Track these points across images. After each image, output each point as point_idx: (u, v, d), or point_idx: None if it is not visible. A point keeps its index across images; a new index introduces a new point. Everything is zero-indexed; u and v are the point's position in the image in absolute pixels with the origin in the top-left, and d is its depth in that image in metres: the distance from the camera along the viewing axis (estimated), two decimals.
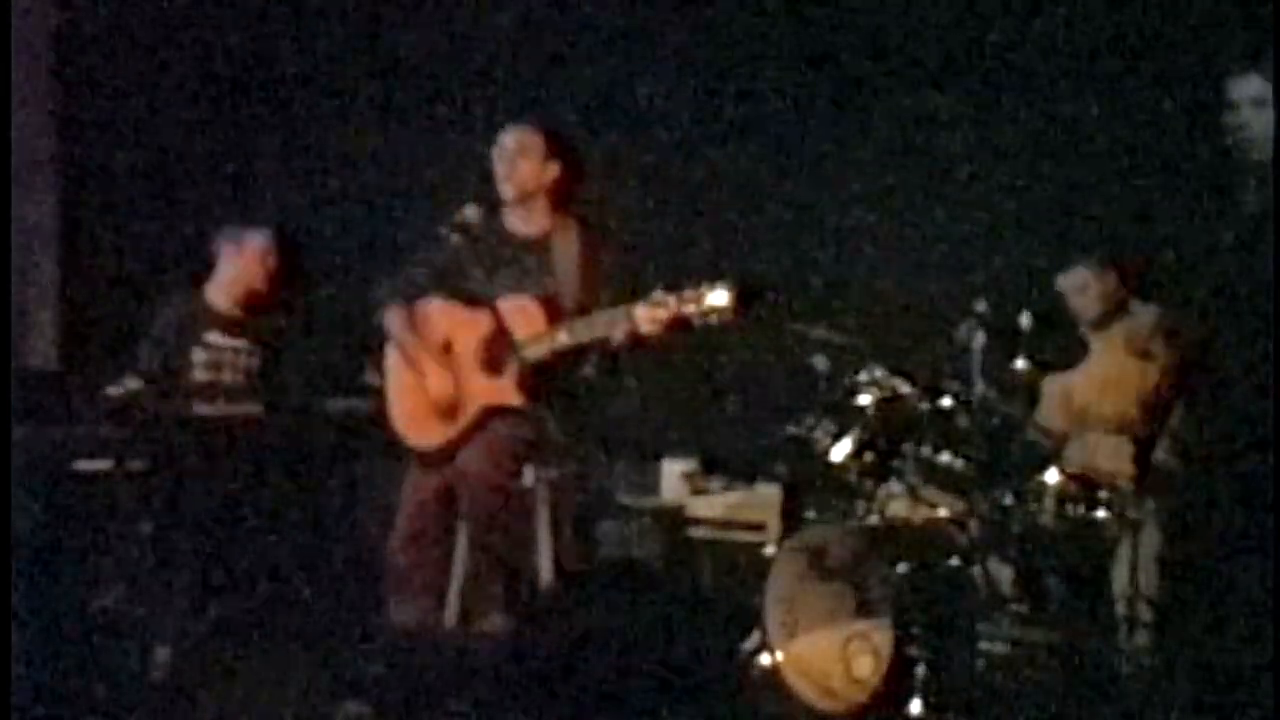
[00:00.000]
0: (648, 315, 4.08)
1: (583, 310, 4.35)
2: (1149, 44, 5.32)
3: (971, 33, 5.64)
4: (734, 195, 6.09)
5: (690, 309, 4.03)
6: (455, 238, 4.46)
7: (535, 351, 4.30)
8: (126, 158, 6.61)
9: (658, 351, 4.38)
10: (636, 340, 4.17)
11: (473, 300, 4.48)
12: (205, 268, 5.37)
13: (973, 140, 5.66)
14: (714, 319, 4.02)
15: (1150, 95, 5.26)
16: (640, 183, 6.17)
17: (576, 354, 4.34)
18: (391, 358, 4.60)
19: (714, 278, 4.02)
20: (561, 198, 4.52)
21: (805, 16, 5.92)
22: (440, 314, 4.52)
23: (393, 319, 4.56)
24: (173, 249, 6.42)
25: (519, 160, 4.46)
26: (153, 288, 5.72)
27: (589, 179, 4.59)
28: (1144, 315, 4.90)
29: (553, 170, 4.48)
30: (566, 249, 4.46)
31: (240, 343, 5.22)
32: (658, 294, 4.07)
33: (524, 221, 4.51)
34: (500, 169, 4.47)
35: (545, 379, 4.33)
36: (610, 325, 4.19)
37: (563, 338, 4.26)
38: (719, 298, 4.00)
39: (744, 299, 4.01)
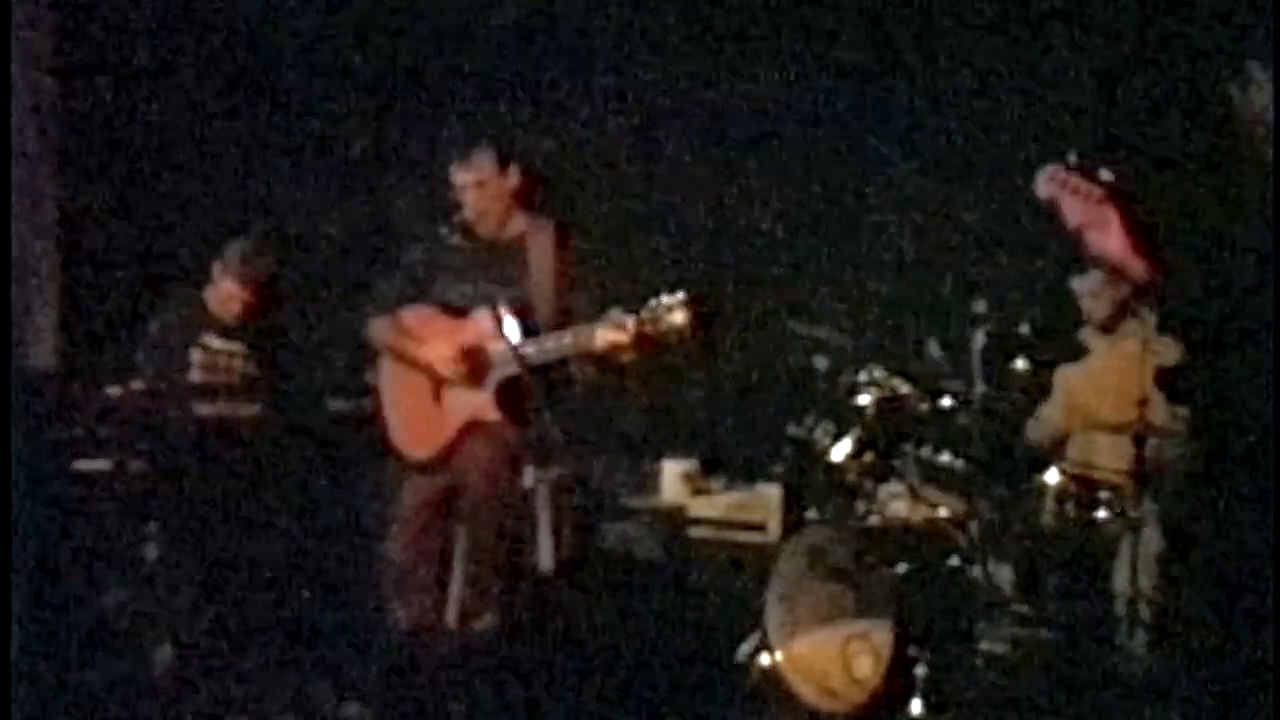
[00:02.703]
0: (606, 337, 4.07)
1: (560, 314, 4.34)
2: (1157, 47, 5.32)
3: (974, 31, 5.64)
4: (733, 195, 6.09)
5: (649, 329, 4.02)
6: (428, 246, 4.46)
7: (505, 369, 4.29)
8: (126, 158, 6.61)
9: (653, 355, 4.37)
10: (598, 359, 4.16)
11: (451, 309, 4.47)
12: (206, 270, 5.37)
13: (974, 140, 5.66)
14: (673, 339, 4.00)
15: (1158, 97, 5.26)
16: (636, 182, 6.17)
17: (548, 368, 4.32)
18: (384, 369, 4.60)
19: (671, 294, 3.98)
20: (528, 199, 4.50)
21: (807, 13, 5.92)
22: (424, 322, 4.51)
23: (379, 328, 4.56)
24: (173, 250, 6.43)
25: (480, 190, 4.42)
26: (152, 289, 5.72)
27: (575, 178, 4.53)
28: (1152, 318, 4.87)
29: (512, 178, 4.45)
30: (542, 250, 4.44)
31: (237, 346, 5.22)
32: (615, 314, 4.05)
33: (497, 229, 4.48)
34: (465, 203, 4.43)
35: (523, 392, 4.30)
36: (572, 344, 4.19)
37: (529, 354, 4.23)
38: (676, 318, 3.98)
39: (701, 319, 3.99)
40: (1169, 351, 4.43)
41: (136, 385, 5.10)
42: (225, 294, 5.26)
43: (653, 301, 4.00)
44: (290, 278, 6.11)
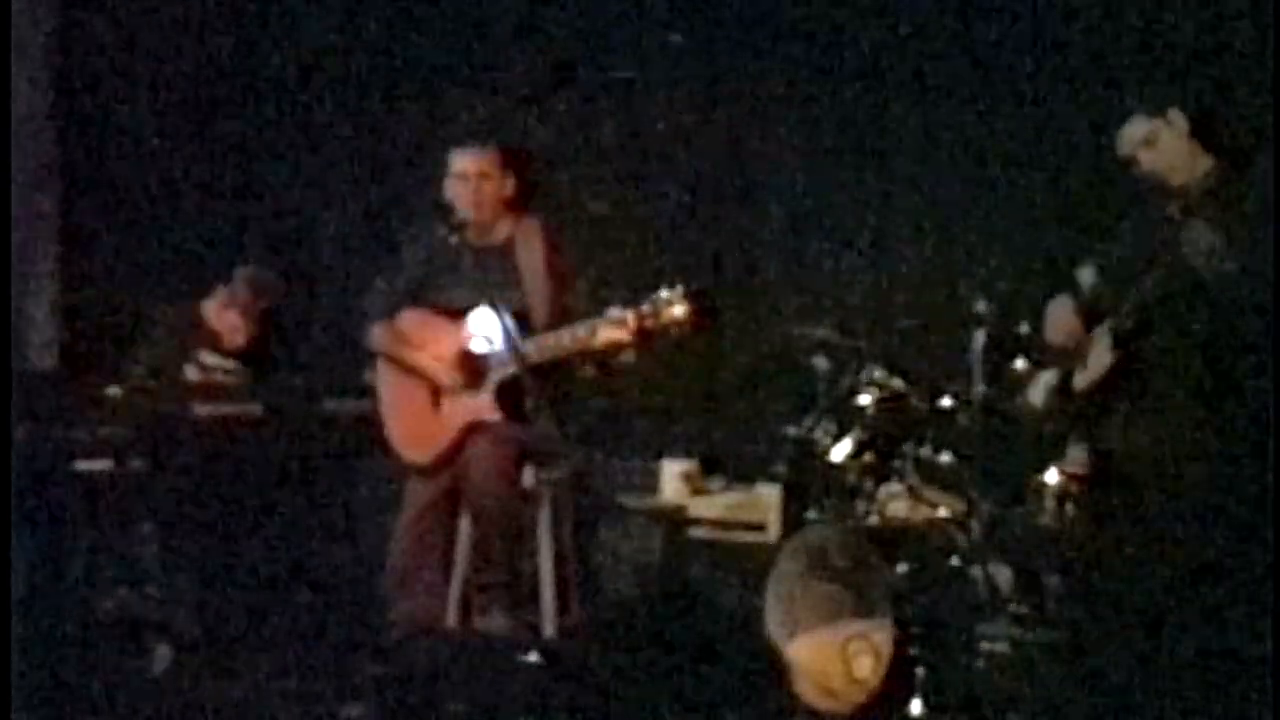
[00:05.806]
0: (605, 334, 4.08)
1: (554, 314, 4.35)
2: (1156, 52, 5.31)
3: (973, 32, 5.63)
4: (733, 194, 6.09)
5: (649, 323, 4.03)
6: (423, 250, 4.48)
7: (504, 370, 4.30)
8: (126, 159, 6.60)
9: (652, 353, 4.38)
10: (599, 355, 4.17)
11: (449, 312, 4.48)
12: (203, 281, 5.38)
13: (974, 140, 5.65)
14: (674, 331, 4.02)
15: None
16: (634, 179, 6.17)
17: (548, 368, 4.32)
18: (382, 374, 4.60)
19: (669, 288, 4.01)
20: (519, 204, 4.54)
21: (807, 12, 5.92)
22: (421, 326, 4.52)
23: (378, 335, 4.57)
24: (173, 250, 6.43)
25: (482, 184, 4.46)
26: (152, 290, 5.72)
27: (572, 175, 4.51)
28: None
29: (510, 183, 4.49)
30: (531, 253, 4.47)
31: (231, 363, 5.22)
32: (615, 311, 4.07)
33: (486, 231, 4.50)
34: (461, 193, 4.45)
35: (523, 392, 4.30)
36: (571, 343, 4.19)
37: (528, 353, 4.24)
38: (676, 311, 3.99)
39: (703, 310, 4.02)
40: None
41: (131, 388, 5.09)
42: (229, 324, 5.26)
43: (652, 296, 4.01)
44: (291, 278, 6.12)
